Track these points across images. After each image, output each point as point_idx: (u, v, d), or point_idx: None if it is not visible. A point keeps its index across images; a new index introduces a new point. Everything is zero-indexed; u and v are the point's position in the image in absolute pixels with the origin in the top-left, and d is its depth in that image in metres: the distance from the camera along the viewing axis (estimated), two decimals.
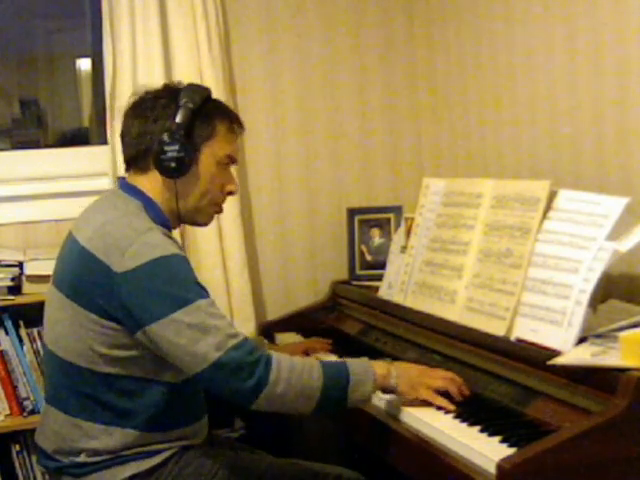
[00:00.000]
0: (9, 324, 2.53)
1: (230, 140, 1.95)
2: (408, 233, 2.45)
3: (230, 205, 2.78)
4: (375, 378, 1.82)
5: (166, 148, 1.83)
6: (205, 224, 2.02)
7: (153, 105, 1.89)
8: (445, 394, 1.86)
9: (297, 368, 1.76)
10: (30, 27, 3.19)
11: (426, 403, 1.85)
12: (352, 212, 2.90)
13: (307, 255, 3.04)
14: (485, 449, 1.58)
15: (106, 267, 1.75)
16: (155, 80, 2.53)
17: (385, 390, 1.86)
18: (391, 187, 3.12)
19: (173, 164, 1.83)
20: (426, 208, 2.40)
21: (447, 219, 2.29)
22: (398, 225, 2.67)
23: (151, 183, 1.89)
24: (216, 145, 1.91)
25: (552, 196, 1.97)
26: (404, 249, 2.45)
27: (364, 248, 2.85)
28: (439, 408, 1.83)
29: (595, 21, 2.23)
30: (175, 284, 1.75)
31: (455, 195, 2.29)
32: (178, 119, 1.85)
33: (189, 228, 2.76)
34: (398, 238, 2.55)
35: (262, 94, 2.97)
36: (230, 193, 1.99)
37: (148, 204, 1.87)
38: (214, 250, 2.78)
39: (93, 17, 2.97)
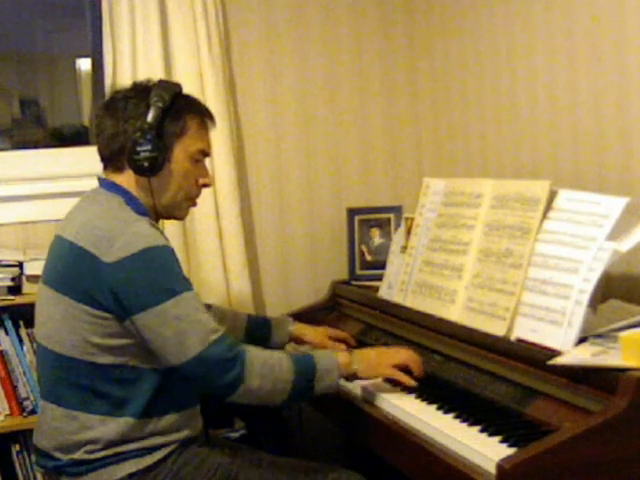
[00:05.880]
0: (9, 324, 2.53)
1: (202, 135, 1.97)
2: (408, 233, 2.45)
3: (230, 205, 2.78)
4: (339, 367, 1.91)
5: (139, 148, 1.85)
6: (182, 218, 2.06)
7: (124, 105, 1.91)
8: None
9: (269, 363, 1.83)
10: (30, 27, 3.19)
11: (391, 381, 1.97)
12: (352, 212, 2.90)
13: (307, 255, 3.04)
14: (485, 449, 1.58)
15: (96, 258, 1.77)
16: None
17: (348, 377, 1.95)
18: (391, 187, 3.12)
19: (146, 163, 1.86)
20: (426, 208, 2.40)
21: (447, 219, 2.29)
22: (398, 225, 2.67)
23: (128, 181, 1.92)
24: (188, 141, 1.93)
25: (552, 196, 1.96)
26: (404, 249, 2.45)
27: (364, 248, 2.85)
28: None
29: (595, 21, 2.23)
30: (164, 275, 1.79)
31: (455, 195, 2.29)
32: (149, 118, 1.87)
33: (189, 228, 2.77)
34: (398, 238, 2.55)
35: (262, 94, 2.97)
36: (205, 186, 2.02)
37: (129, 199, 1.89)
38: (214, 250, 2.77)
39: (93, 17, 2.97)
